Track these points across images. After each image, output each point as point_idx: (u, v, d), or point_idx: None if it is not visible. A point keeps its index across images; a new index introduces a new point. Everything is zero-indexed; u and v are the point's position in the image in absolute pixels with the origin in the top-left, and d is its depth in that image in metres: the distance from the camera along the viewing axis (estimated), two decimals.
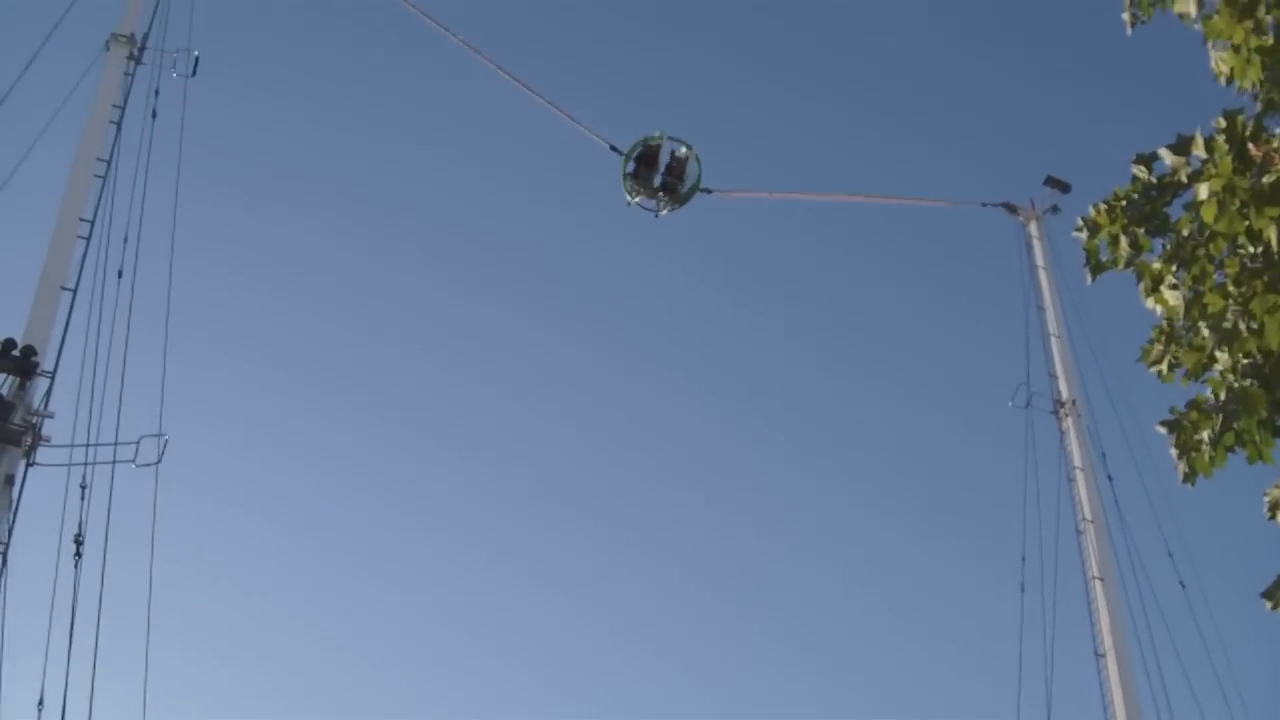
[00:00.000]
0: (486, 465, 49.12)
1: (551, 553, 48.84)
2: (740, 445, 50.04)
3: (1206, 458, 7.71)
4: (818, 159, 49.63)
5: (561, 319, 50.66)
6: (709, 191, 20.80)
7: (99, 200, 16.30)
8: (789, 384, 50.73)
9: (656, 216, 20.73)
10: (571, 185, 49.13)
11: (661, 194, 20.39)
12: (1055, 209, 23.68)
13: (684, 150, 20.42)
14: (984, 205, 24.88)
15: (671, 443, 50.29)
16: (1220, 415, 7.66)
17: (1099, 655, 18.06)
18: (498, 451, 49.73)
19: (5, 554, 13.34)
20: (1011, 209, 24.23)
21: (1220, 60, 7.86)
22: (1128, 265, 8.28)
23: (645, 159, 20.23)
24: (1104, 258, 8.39)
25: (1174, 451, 7.88)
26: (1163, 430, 7.98)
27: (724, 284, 51.34)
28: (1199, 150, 7.71)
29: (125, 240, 16.48)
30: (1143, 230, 8.20)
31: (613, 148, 20.43)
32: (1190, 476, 7.82)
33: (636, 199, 20.48)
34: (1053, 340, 22.01)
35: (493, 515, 48.10)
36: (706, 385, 50.65)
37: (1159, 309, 8.21)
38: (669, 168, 20.41)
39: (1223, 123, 7.61)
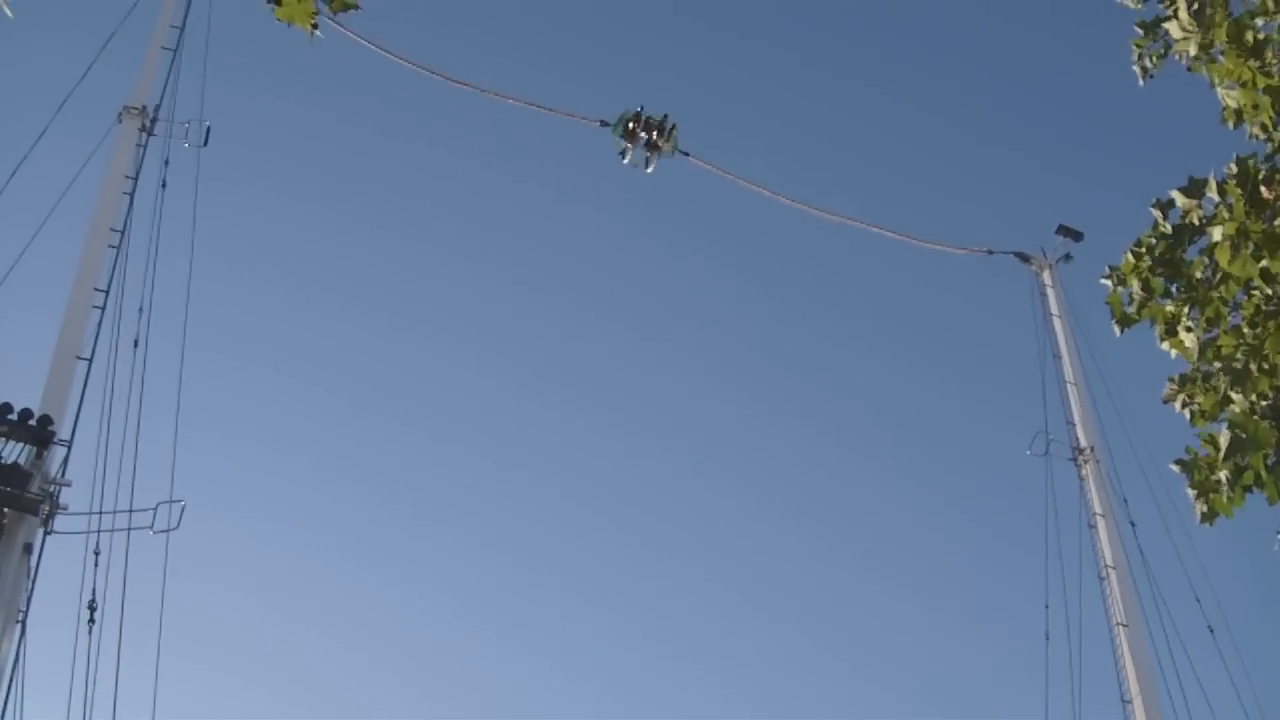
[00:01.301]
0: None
1: (588, 563, 48.33)
2: (748, 529, 49.57)
3: (1225, 498, 7.65)
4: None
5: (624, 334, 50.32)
6: (686, 154, 24.43)
7: (113, 270, 16.39)
8: (799, 456, 50.36)
9: (646, 171, 24.47)
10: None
11: (647, 152, 24.20)
12: (1068, 257, 23.75)
13: (662, 117, 24.08)
14: (994, 253, 25.03)
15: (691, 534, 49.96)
16: (1236, 454, 7.60)
17: (1125, 702, 17.91)
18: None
19: (23, 622, 13.31)
20: (1024, 258, 24.29)
21: (1229, 98, 7.87)
22: (1142, 309, 8.27)
23: (631, 130, 24.12)
24: (1127, 309, 8.38)
25: (1191, 492, 7.83)
26: (1176, 469, 7.92)
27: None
28: (1212, 193, 7.70)
29: (140, 310, 16.56)
30: (1159, 277, 8.19)
31: (602, 123, 24.19)
32: (1209, 516, 7.75)
33: (627, 159, 24.25)
34: (1069, 387, 21.95)
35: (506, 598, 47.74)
36: (712, 474, 50.23)
37: (1175, 353, 8.18)
38: (652, 134, 24.21)
39: (1234, 168, 7.61)
